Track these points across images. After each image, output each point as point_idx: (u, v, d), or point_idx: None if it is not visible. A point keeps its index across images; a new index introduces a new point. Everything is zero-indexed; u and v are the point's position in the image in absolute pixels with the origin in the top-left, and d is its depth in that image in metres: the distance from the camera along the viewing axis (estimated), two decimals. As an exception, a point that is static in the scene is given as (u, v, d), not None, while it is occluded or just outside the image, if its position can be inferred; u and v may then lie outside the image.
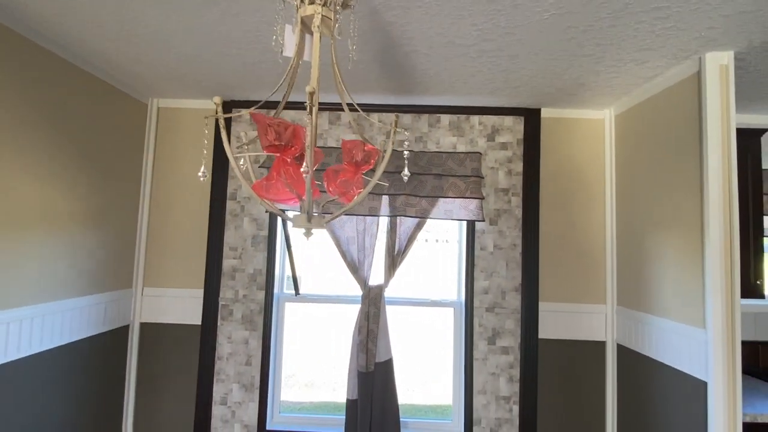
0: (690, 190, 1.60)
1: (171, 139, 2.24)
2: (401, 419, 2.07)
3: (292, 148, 0.76)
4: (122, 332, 2.09)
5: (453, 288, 2.30)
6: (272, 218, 2.21)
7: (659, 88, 1.80)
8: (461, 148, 2.21)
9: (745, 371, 2.04)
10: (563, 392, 2.12)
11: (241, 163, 0.96)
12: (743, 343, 2.05)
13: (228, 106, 2.23)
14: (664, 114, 1.78)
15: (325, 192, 0.96)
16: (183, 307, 2.16)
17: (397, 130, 0.82)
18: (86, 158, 1.80)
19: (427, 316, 2.30)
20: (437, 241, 2.40)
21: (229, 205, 2.19)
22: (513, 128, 2.21)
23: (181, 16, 1.37)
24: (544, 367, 2.12)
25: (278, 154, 0.77)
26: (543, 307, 2.14)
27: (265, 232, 2.19)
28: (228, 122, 2.21)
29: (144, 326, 2.16)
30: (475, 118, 2.22)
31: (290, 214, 0.87)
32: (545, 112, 2.21)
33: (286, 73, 0.86)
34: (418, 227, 2.11)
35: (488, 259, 2.18)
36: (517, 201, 2.19)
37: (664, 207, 1.76)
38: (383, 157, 0.86)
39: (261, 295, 2.18)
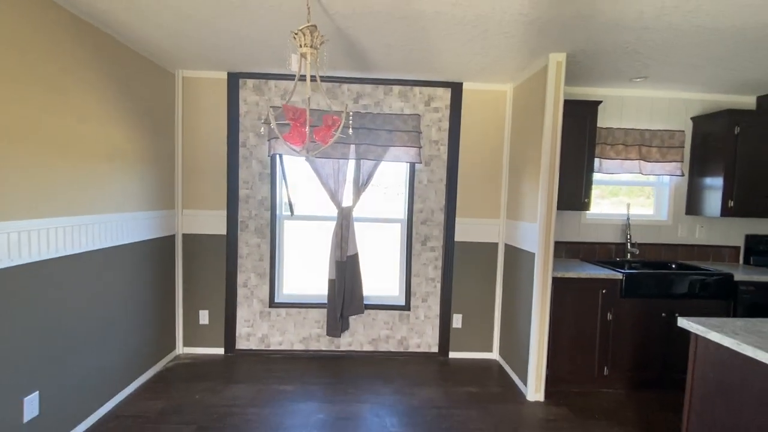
0: (536, 140, 2.60)
1: (194, 102, 3.04)
2: (364, 295, 3.17)
3: (300, 119, 1.67)
4: (171, 239, 3.03)
5: (401, 210, 3.30)
6: (272, 161, 3.10)
7: (531, 72, 2.73)
8: (407, 111, 3.12)
9: (580, 258, 3.19)
10: (470, 274, 3.23)
11: (263, 125, 1.85)
12: (577, 242, 3.19)
13: (235, 76, 3.02)
14: (532, 90, 2.72)
15: (314, 141, 1.88)
16: (212, 223, 3.11)
17: (348, 112, 1.74)
18: (138, 114, 2.60)
19: (386, 229, 3.38)
20: (391, 182, 3.37)
21: (242, 151, 3.07)
22: (443, 97, 3.12)
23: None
24: (458, 258, 3.22)
25: (293, 122, 1.68)
26: (459, 221, 3.19)
27: (268, 171, 3.10)
28: (236, 88, 3.02)
29: (185, 236, 3.11)
30: (417, 89, 3.11)
31: (298, 150, 1.80)
32: (466, 85, 3.11)
33: (295, 82, 1.74)
34: (376, 167, 3.07)
35: (423, 190, 3.18)
36: (444, 149, 3.16)
37: (527, 151, 2.77)
38: (341, 124, 1.78)
39: (267, 215, 3.14)
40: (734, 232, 3.28)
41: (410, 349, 3.27)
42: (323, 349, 3.25)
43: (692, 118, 3.17)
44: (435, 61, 2.65)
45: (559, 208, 2.88)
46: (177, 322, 3.13)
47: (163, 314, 2.95)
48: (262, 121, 2.00)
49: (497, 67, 2.74)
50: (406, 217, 3.25)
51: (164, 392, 2.58)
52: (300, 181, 3.23)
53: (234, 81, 3.03)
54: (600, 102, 2.88)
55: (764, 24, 1.98)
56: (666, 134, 3.12)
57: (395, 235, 3.32)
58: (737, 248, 3.29)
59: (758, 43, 2.20)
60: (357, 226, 3.16)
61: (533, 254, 2.61)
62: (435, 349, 3.27)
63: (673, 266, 3.02)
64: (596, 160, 3.05)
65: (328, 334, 3.15)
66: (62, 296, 2.00)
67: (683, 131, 3.15)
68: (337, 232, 3.06)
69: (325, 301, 3.17)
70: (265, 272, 3.17)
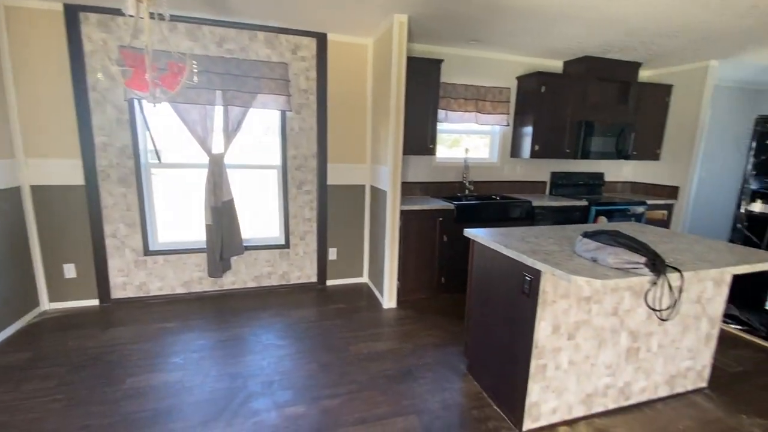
0: (387, 92, 3.00)
1: (24, 36, 2.69)
2: (244, 237, 3.40)
3: (142, 65, 1.75)
4: (15, 192, 2.79)
5: (277, 156, 3.50)
6: (131, 105, 2.97)
7: (384, 29, 3.05)
8: (274, 58, 3.22)
9: (431, 195, 3.85)
10: (343, 213, 3.67)
11: (100, 72, 1.87)
12: (429, 182, 3.82)
13: (73, 9, 2.73)
14: (384, 45, 3.06)
15: (162, 88, 1.96)
16: (66, 173, 2.92)
17: (193, 63, 1.85)
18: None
19: (264, 175, 3.57)
20: (268, 128, 3.50)
21: (92, 95, 2.87)
22: (309, 46, 3.28)
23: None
24: (331, 200, 3.61)
25: (135, 68, 1.75)
26: (330, 166, 3.53)
27: (126, 116, 2.98)
28: (75, 23, 2.75)
29: (34, 188, 2.88)
30: (282, 37, 3.20)
31: (144, 96, 1.87)
32: (331, 36, 3.31)
33: (135, 23, 1.77)
34: (245, 114, 3.17)
35: (295, 137, 3.41)
36: (313, 98, 3.38)
37: (382, 103, 3.17)
38: (187, 72, 1.89)
39: (131, 163, 3.06)
40: (543, 170, 4.26)
41: (291, 282, 3.67)
42: (207, 290, 3.46)
43: (516, 78, 3.89)
44: (298, 10, 2.78)
45: (411, 152, 3.41)
46: (37, 277, 2.99)
47: (16, 271, 2.80)
48: (111, 64, 1.92)
49: (355, 22, 2.98)
50: (282, 164, 3.47)
51: (31, 344, 2.56)
52: (168, 127, 3.17)
53: (72, 14, 2.74)
54: (442, 60, 3.37)
55: (560, 4, 2.54)
56: (497, 90, 3.80)
57: (273, 180, 3.54)
58: (545, 183, 4.30)
59: (557, 19, 2.82)
60: (233, 173, 3.30)
61: (386, 192, 3.11)
62: (314, 279, 3.73)
63: (497, 198, 3.85)
64: (442, 112, 3.61)
65: (210, 276, 3.35)
66: None
67: (509, 88, 3.87)
68: (210, 179, 3.16)
69: (205, 246, 3.32)
70: (135, 222, 3.16)
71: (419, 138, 3.40)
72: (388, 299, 3.25)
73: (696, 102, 3.94)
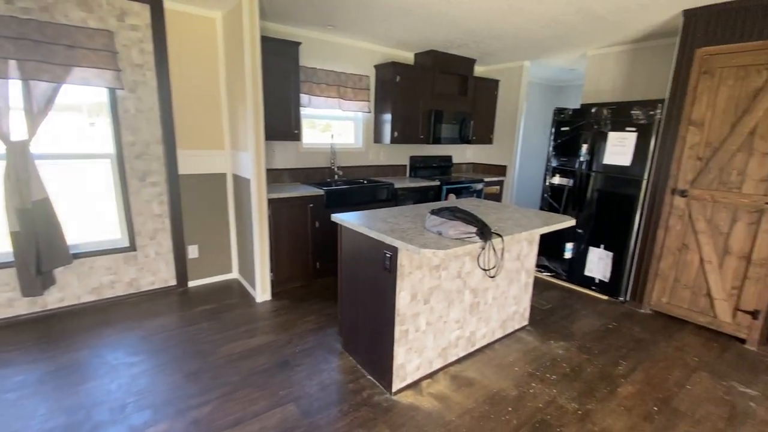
0: (241, 74, 2.80)
1: None
2: (70, 243, 2.79)
3: None
4: None
5: (109, 143, 2.95)
6: None
7: (234, 2, 2.81)
8: (92, 24, 2.65)
9: (300, 181, 3.81)
10: (203, 205, 3.34)
11: None
12: (297, 168, 3.76)
13: None
14: (235, 22, 2.83)
15: None
16: None
17: None
18: None
19: (96, 165, 2.97)
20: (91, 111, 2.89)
21: None
22: (141, 14, 2.81)
23: None
24: (187, 191, 3.23)
25: None
26: (181, 153, 3.15)
27: None
28: None
29: None
30: (102, -1, 2.66)
31: None
32: (168, 4, 2.89)
33: None
34: (56, 91, 2.56)
35: (132, 120, 2.92)
36: (151, 75, 2.93)
37: (237, 84, 2.95)
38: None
39: None
40: (403, 154, 4.63)
41: (143, 289, 3.20)
42: (22, 313, 2.76)
43: (375, 66, 4.08)
44: (114, -30, 2.33)
45: (274, 138, 3.29)
46: None
47: None
48: None
49: (196, -8, 2.67)
50: (116, 152, 2.94)
51: None
52: (-76, 106, 2.34)
53: None
54: (300, 43, 3.30)
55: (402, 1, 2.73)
56: (356, 78, 3.93)
57: (106, 172, 2.97)
58: (405, 166, 4.69)
59: (397, 13, 3.01)
60: (46, 165, 2.65)
61: (249, 180, 2.95)
62: (173, 282, 3.32)
63: (365, 182, 4.04)
64: (306, 97, 3.56)
65: (25, 295, 2.67)
66: None
67: (369, 76, 4.04)
68: (10, 174, 2.48)
69: (12, 259, 2.63)
70: None
71: (283, 123, 3.30)
72: (262, 292, 3.13)
73: (516, 95, 4.79)
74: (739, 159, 2.60)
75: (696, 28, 2.72)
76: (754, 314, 2.63)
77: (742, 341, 2.71)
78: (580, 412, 1.99)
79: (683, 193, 2.86)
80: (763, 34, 2.44)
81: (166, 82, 2.97)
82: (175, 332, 2.63)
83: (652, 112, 3.00)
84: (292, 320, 2.84)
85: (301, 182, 3.80)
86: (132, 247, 3.09)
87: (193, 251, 3.36)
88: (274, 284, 3.26)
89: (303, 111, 3.67)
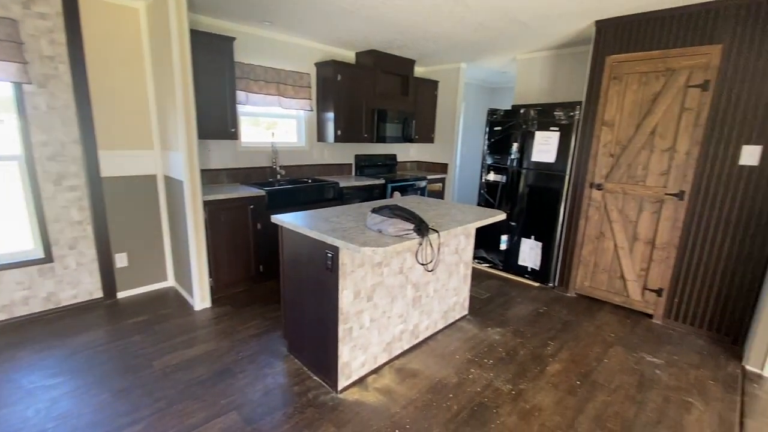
0: (170, 69, 2.64)
1: None
2: (-30, 255, 2.46)
3: None
4: None
5: (16, 144, 2.63)
6: None
7: (157, -5, 2.63)
8: (-12, 9, 2.35)
9: (240, 182, 3.68)
10: (131, 210, 3.10)
11: None
12: (236, 168, 3.63)
13: None
14: (161, 13, 2.65)
15: None
16: None
17: None
18: None
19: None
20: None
21: None
22: (50, 1, 2.54)
23: None
24: (111, 195, 2.98)
25: None
26: (103, 154, 2.90)
27: None
28: None
29: None
30: (-1, -19, 2.36)
31: None
32: (81, -8, 2.64)
33: None
34: (-57, 85, 2.24)
35: (44, 118, 2.64)
36: (65, 69, 2.66)
37: (165, 80, 2.78)
38: None
39: None
40: (348, 153, 4.64)
41: (64, 304, 2.91)
42: None
43: (315, 64, 4.04)
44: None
45: (209, 137, 3.15)
46: None
47: None
48: None
49: (114, -21, 2.47)
50: (25, 153, 2.64)
51: None
52: None
53: None
54: (234, 38, 3.17)
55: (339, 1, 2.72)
56: (296, 75, 3.86)
57: (14, 175, 2.66)
58: (351, 164, 4.70)
59: (344, 14, 3.00)
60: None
61: (182, 182, 2.79)
62: (98, 294, 3.06)
63: (309, 181, 3.99)
64: (243, 94, 3.44)
65: None
66: None
67: (309, 74, 4.00)
68: None
69: None
70: None
71: (218, 121, 3.16)
72: (201, 300, 2.98)
73: (454, 96, 4.99)
74: (643, 155, 2.94)
75: (606, 38, 3.03)
76: (658, 292, 2.99)
77: (650, 316, 3.08)
78: (513, 392, 2.15)
79: (599, 187, 3.18)
80: (661, 44, 2.78)
81: (83, 76, 2.72)
82: (102, 348, 2.43)
83: (571, 113, 3.29)
84: (233, 326, 2.74)
85: (241, 183, 3.67)
86: (48, 258, 2.80)
87: (121, 259, 3.12)
88: (214, 290, 3.13)
89: (241, 109, 3.54)
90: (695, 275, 2.80)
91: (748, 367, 2.44)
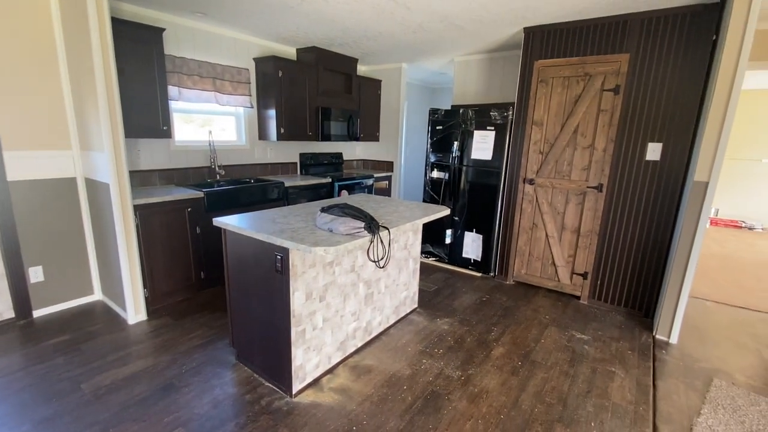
0: (89, 61, 2.39)
1: None
2: None
3: None
4: None
5: None
6: None
7: (70, -23, 2.36)
8: None
9: (175, 183, 3.44)
10: (47, 218, 2.75)
11: None
12: (170, 168, 3.39)
13: None
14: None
15: None
16: None
17: None
18: None
19: None
20: None
21: None
22: (-73, -25, 2.17)
23: None
24: (21, 202, 2.63)
25: None
26: (9, 155, 2.54)
27: None
28: None
29: None
30: None
31: None
32: (-28, -32, 2.29)
33: None
34: None
35: (-75, 113, 2.25)
36: (-48, 56, 2.29)
37: (83, 73, 2.50)
38: None
39: None
40: (293, 151, 4.53)
41: (-38, 328, 2.52)
42: None
43: (254, 59, 3.89)
44: None
45: (138, 135, 2.90)
46: None
47: None
48: None
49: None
50: None
51: None
52: None
53: None
54: (164, 29, 2.95)
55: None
56: (234, 70, 3.69)
57: None
58: (296, 163, 4.60)
59: (283, 9, 2.91)
60: None
61: (108, 185, 2.55)
62: (9, 314, 2.69)
63: (251, 181, 3.84)
64: (174, 89, 3.21)
65: None
66: None
67: (248, 69, 3.84)
68: None
69: None
70: None
71: (148, 118, 2.92)
72: (135, 313, 2.75)
73: (397, 95, 5.09)
74: (567, 152, 3.24)
75: (534, 43, 3.28)
76: (584, 275, 3.32)
77: (578, 298, 3.41)
78: (463, 378, 2.27)
79: (531, 182, 3.44)
80: (580, 51, 3.07)
81: (-23, 66, 2.36)
82: (17, 375, 2.14)
83: (505, 114, 3.52)
84: (174, 338, 2.57)
85: (177, 184, 3.43)
86: (-62, 278, 2.40)
87: (36, 274, 2.76)
88: (150, 301, 2.90)
89: (174, 105, 3.30)
90: (614, 259, 3.16)
91: (657, 336, 2.81)
